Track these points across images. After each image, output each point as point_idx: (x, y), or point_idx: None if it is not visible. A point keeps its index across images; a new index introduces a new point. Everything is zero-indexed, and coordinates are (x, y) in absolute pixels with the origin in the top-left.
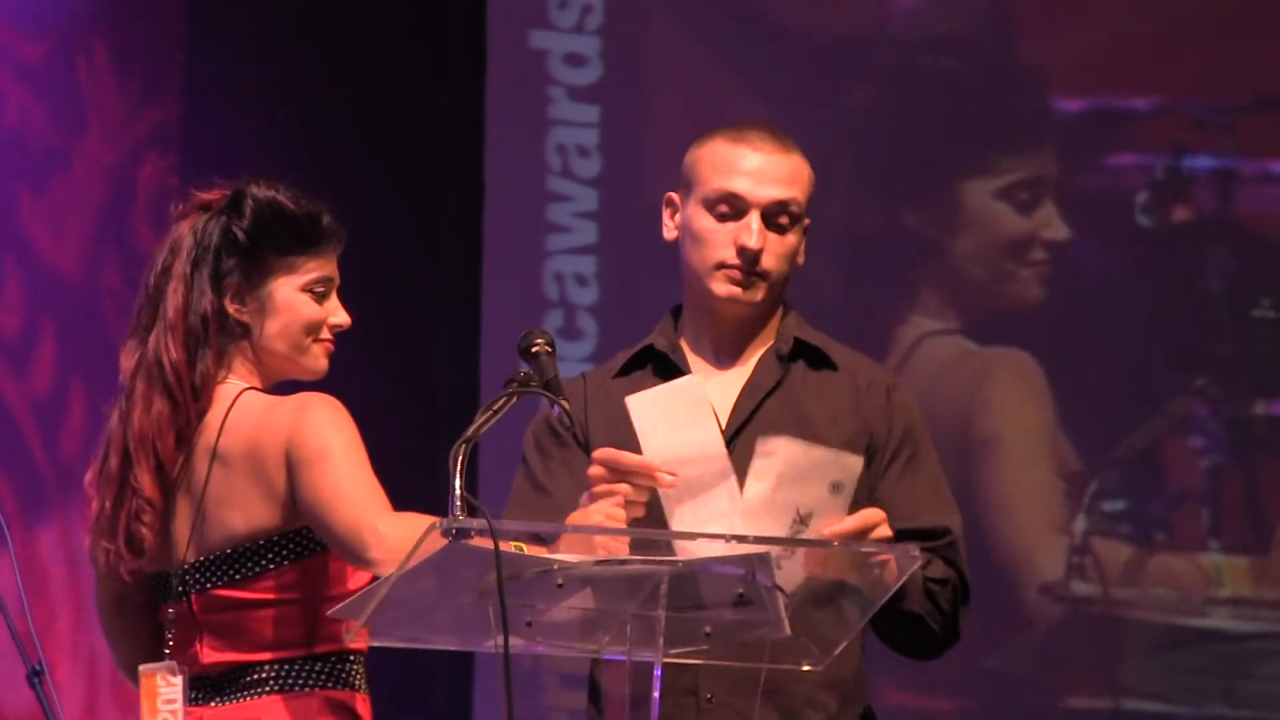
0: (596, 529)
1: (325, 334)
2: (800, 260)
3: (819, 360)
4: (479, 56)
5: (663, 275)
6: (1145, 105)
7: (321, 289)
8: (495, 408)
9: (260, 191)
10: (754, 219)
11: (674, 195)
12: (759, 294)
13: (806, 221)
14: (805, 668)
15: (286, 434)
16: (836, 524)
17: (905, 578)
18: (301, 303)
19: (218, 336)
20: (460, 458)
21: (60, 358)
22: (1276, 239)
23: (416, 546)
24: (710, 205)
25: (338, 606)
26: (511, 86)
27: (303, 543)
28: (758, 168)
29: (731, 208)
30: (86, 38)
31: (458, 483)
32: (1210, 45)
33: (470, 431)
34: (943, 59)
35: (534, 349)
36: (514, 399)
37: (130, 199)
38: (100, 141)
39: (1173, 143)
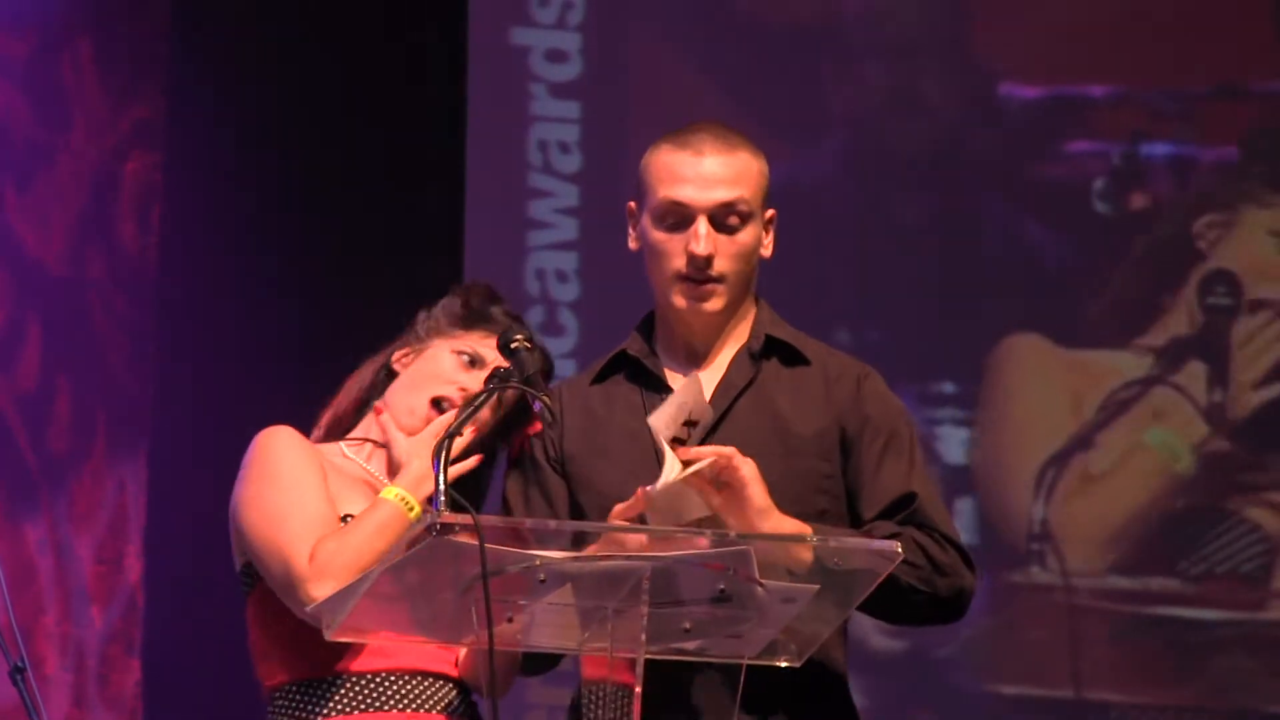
0: (581, 525)
1: (449, 395)
2: (766, 253)
3: (792, 356)
4: (460, 53)
5: (644, 272)
6: (1102, 93)
7: (469, 358)
8: (475, 403)
9: (460, 286)
10: (700, 224)
11: (633, 205)
12: (719, 301)
13: (770, 213)
14: (782, 664)
15: None
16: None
17: (884, 576)
18: (448, 361)
19: (365, 393)
20: (444, 453)
21: (46, 353)
22: None
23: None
24: (659, 217)
25: (319, 602)
26: (492, 83)
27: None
28: (699, 173)
29: (678, 216)
30: (71, 35)
31: (441, 478)
32: (1168, 33)
33: (453, 427)
34: (895, 54)
35: (514, 345)
36: (495, 394)
37: (115, 195)
38: (85, 138)
39: (1130, 130)
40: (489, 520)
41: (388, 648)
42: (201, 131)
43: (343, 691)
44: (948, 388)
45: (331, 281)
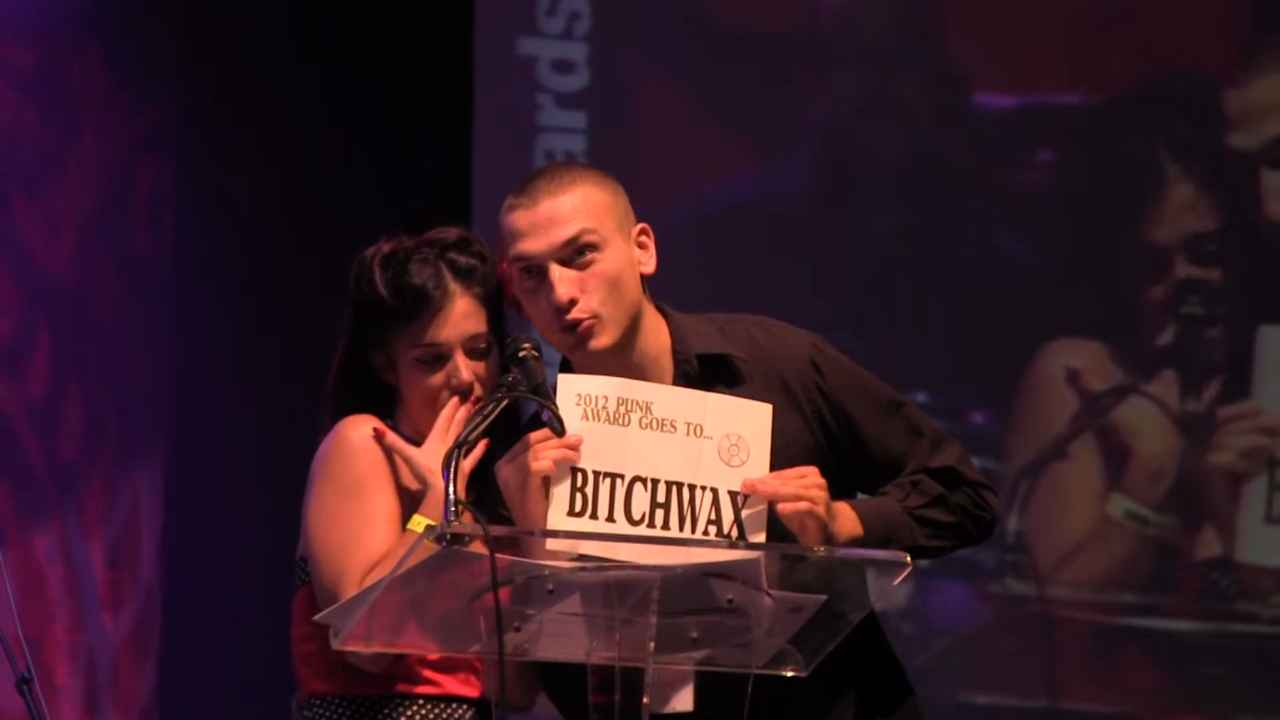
0: (586, 534)
1: (444, 398)
2: (648, 270)
3: (730, 370)
4: (467, 62)
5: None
6: (1076, 102)
7: (431, 357)
8: (485, 412)
9: (361, 272)
10: (553, 271)
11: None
12: (604, 338)
13: (637, 227)
14: (788, 674)
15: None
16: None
17: (896, 583)
18: (414, 378)
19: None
20: (453, 463)
21: (55, 360)
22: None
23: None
24: (520, 278)
25: (325, 612)
26: (500, 92)
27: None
28: (534, 222)
29: (532, 271)
30: (81, 41)
31: (451, 488)
32: (1141, 42)
33: (462, 436)
34: (869, 62)
35: (520, 354)
36: (504, 403)
37: (126, 202)
38: (95, 144)
39: (1103, 139)
40: (499, 531)
41: (436, 673)
42: (212, 138)
43: (397, 714)
44: (920, 397)
45: (343, 288)
